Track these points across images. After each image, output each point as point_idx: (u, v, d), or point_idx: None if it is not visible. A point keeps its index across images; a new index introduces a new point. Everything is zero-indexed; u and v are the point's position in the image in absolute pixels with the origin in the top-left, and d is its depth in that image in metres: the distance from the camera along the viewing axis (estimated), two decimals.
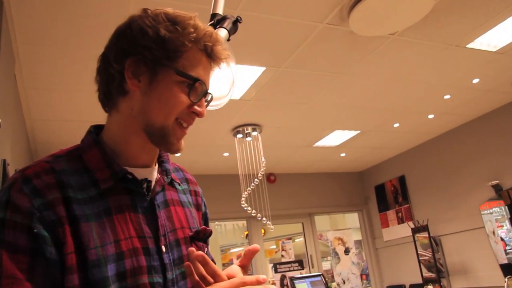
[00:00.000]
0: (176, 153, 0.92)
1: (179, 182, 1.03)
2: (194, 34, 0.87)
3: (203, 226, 1.00)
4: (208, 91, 0.93)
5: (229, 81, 1.29)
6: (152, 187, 0.93)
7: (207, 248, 1.04)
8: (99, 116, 0.98)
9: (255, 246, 0.88)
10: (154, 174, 0.95)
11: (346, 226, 8.08)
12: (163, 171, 0.98)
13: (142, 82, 0.88)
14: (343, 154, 6.38)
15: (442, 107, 4.98)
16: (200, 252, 0.81)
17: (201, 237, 0.98)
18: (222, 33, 1.20)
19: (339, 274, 6.54)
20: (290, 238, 7.42)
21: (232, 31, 1.27)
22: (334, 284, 6.69)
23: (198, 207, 1.06)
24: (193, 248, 0.82)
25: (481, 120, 5.47)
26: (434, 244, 5.91)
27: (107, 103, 0.93)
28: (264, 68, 3.57)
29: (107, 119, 0.94)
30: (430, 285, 5.65)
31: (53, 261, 0.76)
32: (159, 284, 0.86)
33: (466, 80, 4.33)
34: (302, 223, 7.03)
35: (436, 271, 5.70)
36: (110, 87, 0.90)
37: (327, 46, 3.34)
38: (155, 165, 0.98)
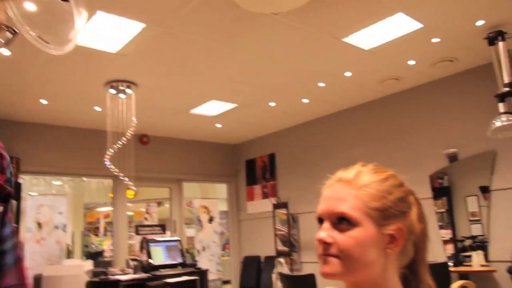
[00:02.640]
0: None
1: None
2: None
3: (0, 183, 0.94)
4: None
5: (72, 26, 1.19)
6: None
7: (8, 210, 0.96)
8: None
9: None
10: None
11: (216, 196, 8.23)
12: None
13: None
14: (219, 125, 6.43)
15: (316, 94, 5.23)
16: None
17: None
18: None
19: (200, 242, 6.67)
20: (160, 202, 7.35)
21: None
22: (194, 251, 6.80)
23: (2, 170, 0.99)
24: None
25: (350, 111, 5.87)
26: (292, 220, 6.29)
27: None
28: (144, 25, 3.41)
29: None
30: (281, 257, 6.02)
31: None
32: None
33: (339, 72, 4.58)
34: (170, 188, 7.00)
35: (289, 245, 6.10)
36: None
37: (211, 14, 3.29)
38: None
